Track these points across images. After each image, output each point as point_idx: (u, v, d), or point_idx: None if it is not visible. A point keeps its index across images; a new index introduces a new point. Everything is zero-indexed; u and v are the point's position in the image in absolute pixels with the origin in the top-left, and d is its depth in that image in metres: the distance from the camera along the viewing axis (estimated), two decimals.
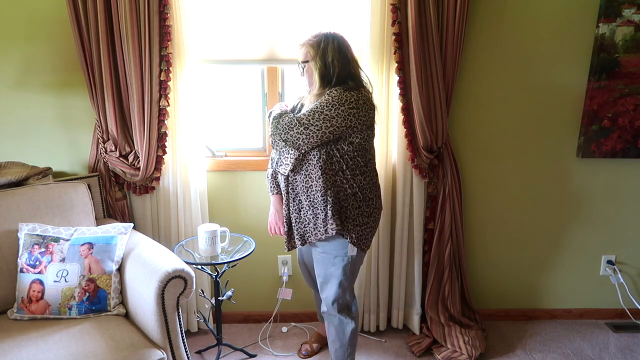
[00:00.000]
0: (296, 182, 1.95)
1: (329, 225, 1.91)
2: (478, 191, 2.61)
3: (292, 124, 1.86)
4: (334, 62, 1.88)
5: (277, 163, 1.99)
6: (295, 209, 1.99)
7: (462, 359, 2.37)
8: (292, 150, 1.90)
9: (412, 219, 2.49)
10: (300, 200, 1.96)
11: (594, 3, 2.36)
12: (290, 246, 2.05)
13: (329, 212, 1.90)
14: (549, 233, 2.68)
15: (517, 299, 2.78)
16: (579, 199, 2.63)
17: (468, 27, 2.30)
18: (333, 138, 1.86)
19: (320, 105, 1.84)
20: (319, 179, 1.88)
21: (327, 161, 1.88)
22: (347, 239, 1.93)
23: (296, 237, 2.02)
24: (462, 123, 2.51)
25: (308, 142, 1.85)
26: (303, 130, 1.83)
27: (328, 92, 1.87)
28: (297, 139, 1.85)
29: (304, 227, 1.98)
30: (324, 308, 2.08)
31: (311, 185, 1.91)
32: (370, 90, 1.99)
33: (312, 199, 1.92)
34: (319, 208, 1.91)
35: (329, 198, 1.89)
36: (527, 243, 2.69)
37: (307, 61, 1.93)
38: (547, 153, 2.57)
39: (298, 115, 1.88)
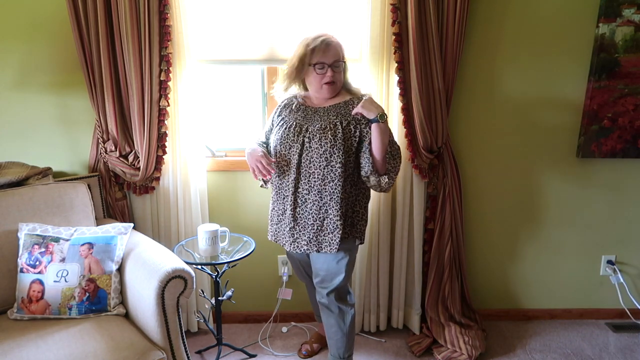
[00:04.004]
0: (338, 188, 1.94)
1: (338, 231, 1.96)
2: (478, 191, 2.61)
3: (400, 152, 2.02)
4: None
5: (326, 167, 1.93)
6: (317, 214, 1.97)
7: (462, 359, 2.37)
8: (342, 154, 1.91)
9: (412, 219, 2.49)
10: (325, 208, 1.96)
11: (594, 3, 2.36)
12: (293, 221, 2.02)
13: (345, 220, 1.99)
14: (549, 233, 2.68)
15: (517, 299, 2.78)
16: (579, 198, 2.63)
17: (468, 27, 2.30)
18: None
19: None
20: (353, 185, 2.00)
21: (357, 167, 1.99)
22: (357, 240, 2.04)
23: (304, 241, 2.01)
24: (462, 123, 2.50)
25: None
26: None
27: (363, 97, 1.95)
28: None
29: (314, 233, 1.99)
30: (323, 299, 2.10)
31: (350, 191, 1.99)
32: None
33: (339, 206, 1.94)
34: (337, 214, 1.94)
35: (357, 208, 2.02)
36: (527, 243, 2.69)
37: (343, 60, 1.99)
38: (547, 153, 2.56)
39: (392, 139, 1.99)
